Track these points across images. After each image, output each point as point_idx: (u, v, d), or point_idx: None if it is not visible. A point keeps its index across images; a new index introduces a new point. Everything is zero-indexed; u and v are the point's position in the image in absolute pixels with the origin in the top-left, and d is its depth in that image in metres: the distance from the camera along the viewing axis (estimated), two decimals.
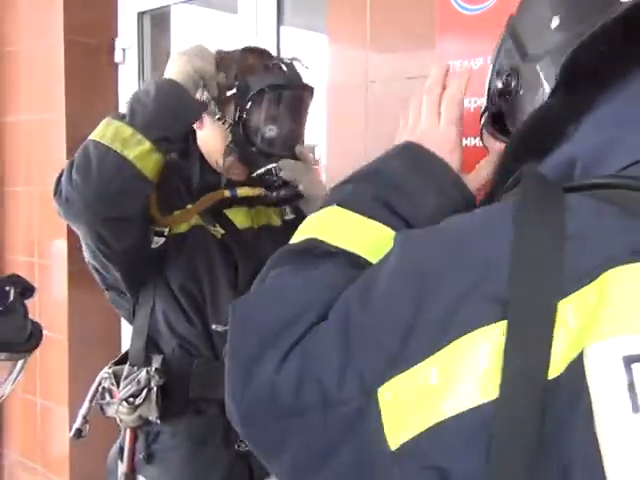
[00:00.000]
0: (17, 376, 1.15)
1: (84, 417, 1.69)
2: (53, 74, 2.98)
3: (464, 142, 1.70)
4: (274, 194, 1.62)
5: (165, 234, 1.60)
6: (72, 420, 2.80)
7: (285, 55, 1.72)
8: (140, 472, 1.67)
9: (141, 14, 3.03)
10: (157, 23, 3.08)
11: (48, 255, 3.09)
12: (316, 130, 2.52)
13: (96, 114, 2.95)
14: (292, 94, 1.63)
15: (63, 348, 3.03)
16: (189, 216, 1.64)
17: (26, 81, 3.15)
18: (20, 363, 1.17)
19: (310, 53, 2.50)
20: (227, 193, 1.64)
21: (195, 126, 1.66)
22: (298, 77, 1.66)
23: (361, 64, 2.07)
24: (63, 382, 3.03)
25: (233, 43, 1.82)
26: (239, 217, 1.71)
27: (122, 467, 1.68)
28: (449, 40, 1.82)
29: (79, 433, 1.69)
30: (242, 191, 1.65)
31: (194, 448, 1.64)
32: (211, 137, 1.66)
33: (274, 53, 1.86)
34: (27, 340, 1.18)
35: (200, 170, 1.68)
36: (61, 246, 2.99)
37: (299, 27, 2.77)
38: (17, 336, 1.14)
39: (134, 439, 1.67)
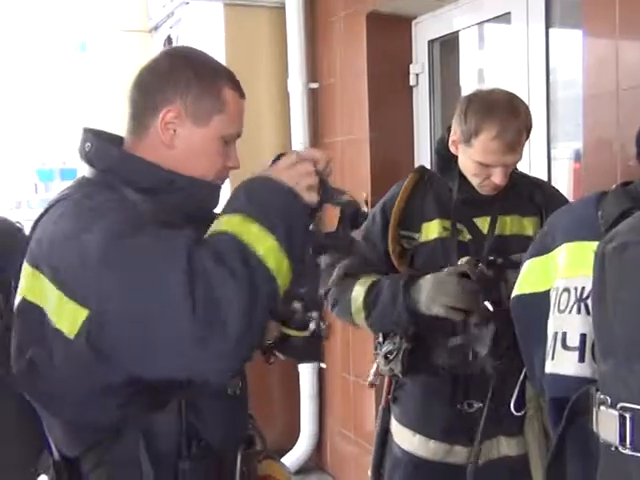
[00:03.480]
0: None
1: (375, 372, 2.23)
2: (359, 100, 3.54)
3: None
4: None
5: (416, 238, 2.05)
6: (377, 397, 3.30)
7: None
8: (391, 409, 2.19)
9: (431, 42, 3.45)
10: (445, 49, 3.47)
11: None
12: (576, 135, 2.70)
13: (394, 133, 3.46)
14: None
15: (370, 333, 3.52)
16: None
17: (339, 108, 3.75)
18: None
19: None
20: None
21: (452, 150, 2.04)
22: None
23: (612, 71, 2.25)
24: (371, 362, 3.52)
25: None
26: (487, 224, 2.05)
27: (383, 403, 2.22)
28: None
29: (372, 384, 2.26)
30: None
31: (425, 399, 2.09)
32: (463, 160, 2.02)
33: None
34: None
35: (459, 185, 2.04)
36: None
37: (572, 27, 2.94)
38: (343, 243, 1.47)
39: (390, 384, 2.18)
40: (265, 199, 1.24)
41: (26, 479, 1.44)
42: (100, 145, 1.39)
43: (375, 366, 2.23)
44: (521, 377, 1.97)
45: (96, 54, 5.83)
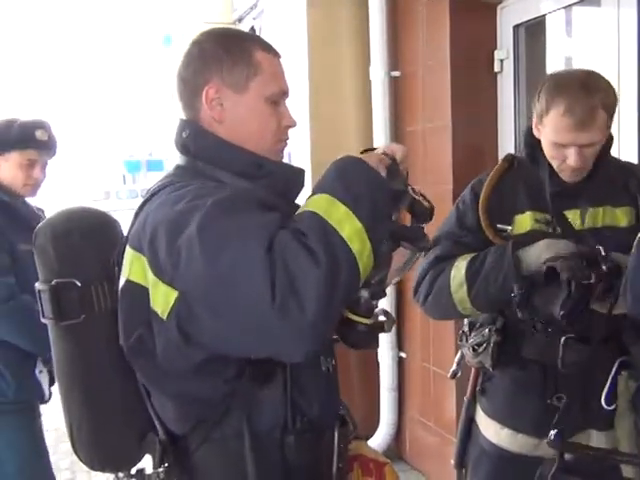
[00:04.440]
0: (409, 266, 1.50)
1: (457, 362, 2.22)
2: (441, 87, 3.50)
3: None
4: None
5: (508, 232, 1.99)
6: (458, 386, 3.28)
7: None
8: (477, 400, 2.16)
9: (516, 27, 3.38)
10: (531, 34, 3.40)
11: None
12: None
13: (477, 120, 3.41)
14: None
15: (450, 322, 3.50)
16: None
17: (421, 96, 3.72)
18: (415, 256, 1.49)
19: None
20: None
21: (535, 133, 1.98)
22: None
23: None
24: (451, 352, 3.50)
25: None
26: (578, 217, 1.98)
27: (468, 394, 2.19)
28: None
29: (454, 374, 2.25)
30: None
31: (515, 393, 2.05)
32: (543, 144, 1.96)
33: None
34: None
35: (550, 174, 1.98)
36: None
37: None
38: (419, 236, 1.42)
39: (476, 376, 2.15)
40: (355, 180, 1.25)
41: (132, 460, 1.51)
42: (197, 131, 1.45)
43: (458, 356, 2.21)
44: (613, 371, 1.93)
45: (181, 47, 5.97)
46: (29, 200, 2.75)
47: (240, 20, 5.29)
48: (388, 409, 4.09)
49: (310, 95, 3.97)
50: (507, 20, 3.41)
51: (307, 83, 3.97)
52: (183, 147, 1.46)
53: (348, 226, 1.18)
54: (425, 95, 3.68)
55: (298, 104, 3.69)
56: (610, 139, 2.01)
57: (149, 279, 1.28)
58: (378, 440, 4.07)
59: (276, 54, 1.49)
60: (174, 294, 1.22)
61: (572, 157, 1.88)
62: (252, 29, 5.00)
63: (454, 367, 2.23)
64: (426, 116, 3.68)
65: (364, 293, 1.37)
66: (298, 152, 3.95)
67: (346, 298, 1.20)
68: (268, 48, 1.48)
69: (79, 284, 1.41)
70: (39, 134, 2.62)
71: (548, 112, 1.88)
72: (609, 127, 1.92)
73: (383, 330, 1.43)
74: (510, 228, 1.99)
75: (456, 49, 3.42)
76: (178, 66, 1.49)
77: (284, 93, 1.49)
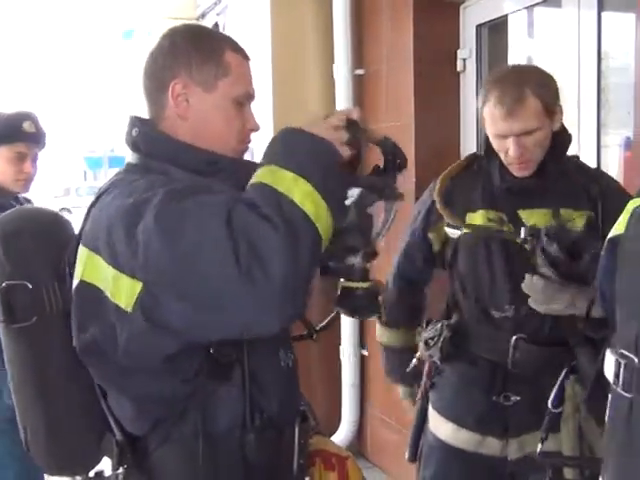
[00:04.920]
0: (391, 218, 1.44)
1: (418, 358, 2.23)
2: (405, 86, 3.51)
3: None
4: None
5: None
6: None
7: None
8: (429, 393, 2.20)
9: (479, 26, 3.40)
10: (494, 33, 3.43)
11: None
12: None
13: (440, 119, 3.43)
14: None
15: None
16: None
17: (385, 94, 3.73)
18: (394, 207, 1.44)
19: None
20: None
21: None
22: None
23: None
24: None
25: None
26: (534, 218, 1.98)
27: (422, 388, 2.23)
28: None
29: (414, 368, 2.25)
30: None
31: (461, 388, 2.09)
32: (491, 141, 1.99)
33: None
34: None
35: (500, 170, 2.00)
36: None
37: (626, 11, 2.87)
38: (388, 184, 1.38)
39: (430, 369, 2.18)
40: (298, 147, 1.25)
41: (90, 463, 1.49)
42: (146, 130, 1.44)
43: (419, 352, 2.23)
44: (562, 374, 1.95)
45: (143, 42, 5.90)
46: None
47: (203, 16, 5.24)
48: (350, 406, 4.10)
49: (273, 92, 3.95)
50: (470, 20, 3.44)
51: (270, 80, 3.95)
52: (133, 145, 1.45)
53: (297, 190, 1.18)
54: (388, 94, 3.69)
55: (261, 101, 3.67)
56: (567, 138, 2.02)
57: (108, 275, 1.26)
58: (340, 437, 4.07)
59: (246, 57, 1.49)
60: (138, 285, 1.21)
61: (512, 147, 1.90)
62: (215, 25, 4.96)
63: (414, 361, 2.24)
64: (389, 115, 3.68)
65: (354, 259, 1.37)
66: (261, 150, 3.92)
67: (312, 262, 1.19)
68: (239, 50, 1.48)
69: (30, 286, 1.40)
70: (26, 126, 2.54)
71: (485, 105, 1.93)
72: (550, 118, 1.92)
73: (379, 294, 1.41)
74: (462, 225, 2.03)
75: (419, 48, 3.44)
76: (146, 59, 1.47)
77: (250, 96, 1.49)
